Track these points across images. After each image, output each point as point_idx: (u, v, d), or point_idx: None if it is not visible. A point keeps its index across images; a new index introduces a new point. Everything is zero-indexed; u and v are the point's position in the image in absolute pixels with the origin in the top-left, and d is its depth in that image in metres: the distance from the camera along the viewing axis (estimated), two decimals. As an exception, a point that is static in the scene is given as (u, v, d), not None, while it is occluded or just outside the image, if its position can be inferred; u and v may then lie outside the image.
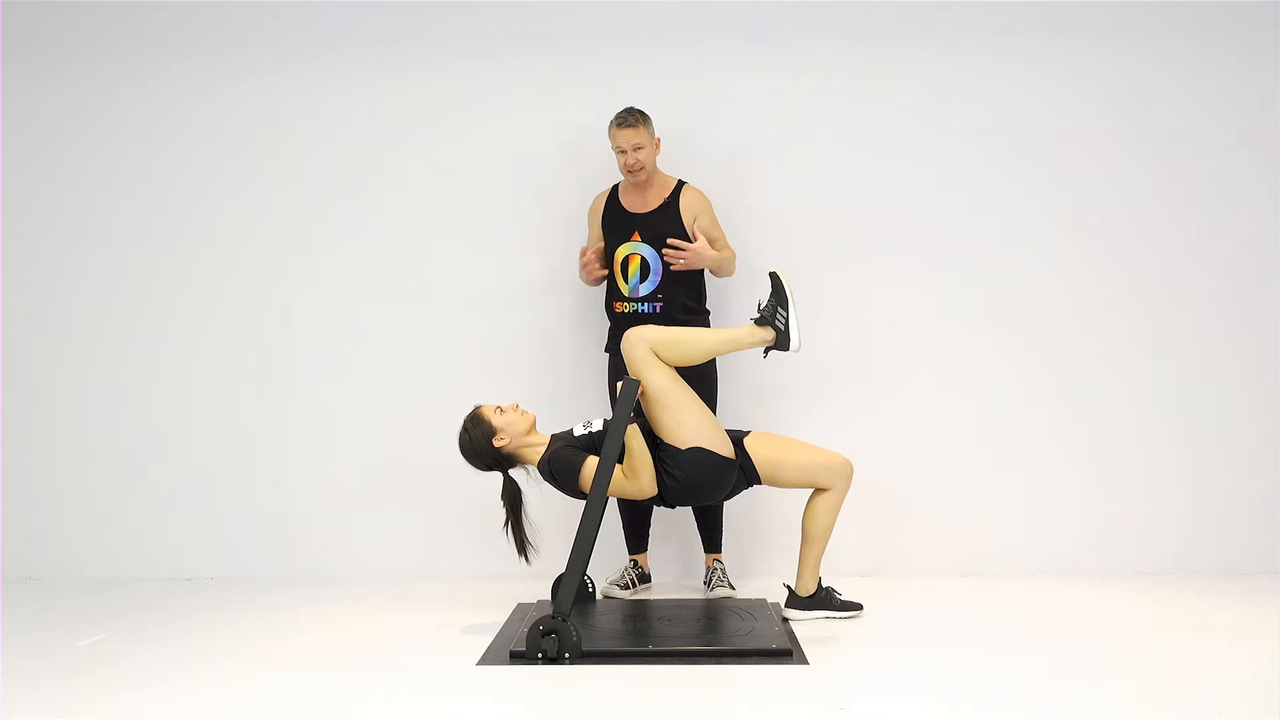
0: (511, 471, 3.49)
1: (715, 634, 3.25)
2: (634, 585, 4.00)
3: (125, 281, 4.46)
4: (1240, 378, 4.33)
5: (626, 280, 3.94)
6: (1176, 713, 2.54)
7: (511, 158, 4.42)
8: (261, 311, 4.44)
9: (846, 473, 3.48)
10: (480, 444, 3.42)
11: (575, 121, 4.39)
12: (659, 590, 4.05)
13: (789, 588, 3.58)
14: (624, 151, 3.89)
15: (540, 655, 2.99)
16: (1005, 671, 2.90)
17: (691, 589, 4.08)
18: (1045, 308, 4.36)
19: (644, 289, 3.93)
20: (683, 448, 3.33)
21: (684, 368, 3.43)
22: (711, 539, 4.04)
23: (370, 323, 4.42)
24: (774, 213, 4.37)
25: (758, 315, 3.45)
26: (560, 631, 3.00)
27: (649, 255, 3.93)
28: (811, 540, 3.51)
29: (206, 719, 2.59)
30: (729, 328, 3.49)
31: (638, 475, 3.30)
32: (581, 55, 4.42)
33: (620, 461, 3.26)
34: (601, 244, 4.01)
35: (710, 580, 3.96)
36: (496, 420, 3.43)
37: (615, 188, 4.07)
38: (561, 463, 3.33)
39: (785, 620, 3.48)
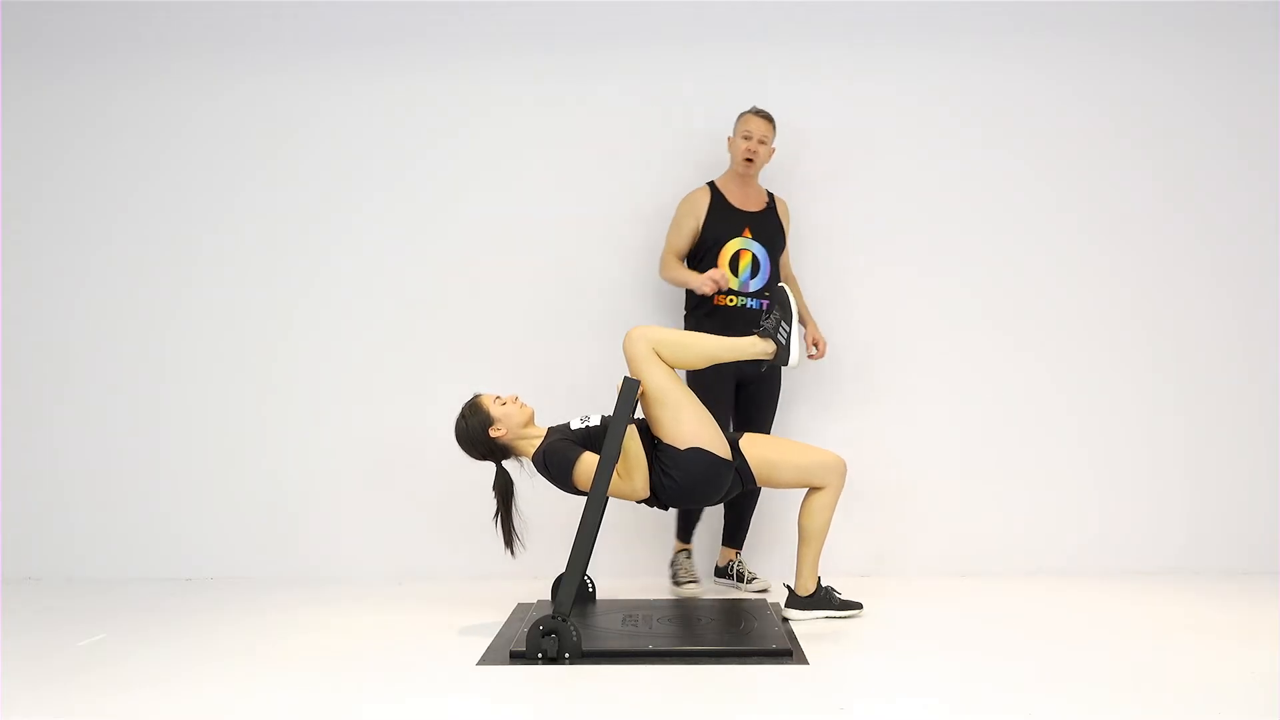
0: (505, 463, 3.50)
1: (715, 634, 3.25)
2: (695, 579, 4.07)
3: (125, 281, 4.47)
4: (1240, 378, 4.34)
5: (737, 274, 3.96)
6: (1176, 713, 2.54)
7: (511, 157, 4.43)
8: (261, 311, 4.44)
9: (841, 470, 3.50)
10: (476, 433, 3.43)
11: (576, 120, 4.40)
12: (658, 590, 4.05)
13: (789, 587, 3.59)
14: (750, 138, 3.96)
15: (540, 655, 2.99)
16: (1005, 671, 2.90)
17: (691, 589, 4.07)
18: (1045, 308, 4.36)
19: (754, 285, 3.97)
20: (681, 448, 3.33)
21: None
22: (737, 535, 4.12)
23: (370, 323, 4.43)
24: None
25: (760, 328, 3.46)
26: (560, 631, 3.00)
27: (759, 253, 3.97)
28: (809, 539, 3.52)
29: (206, 719, 2.58)
30: (731, 338, 3.49)
31: (632, 476, 3.30)
32: (581, 55, 4.42)
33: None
34: (685, 248, 4.01)
35: (742, 575, 4.07)
36: (495, 410, 3.43)
37: (713, 185, 4.07)
38: (557, 456, 3.34)
39: (785, 620, 3.49)
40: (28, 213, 4.49)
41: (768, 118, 4.00)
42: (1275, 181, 4.34)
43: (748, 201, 4.05)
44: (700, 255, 4.00)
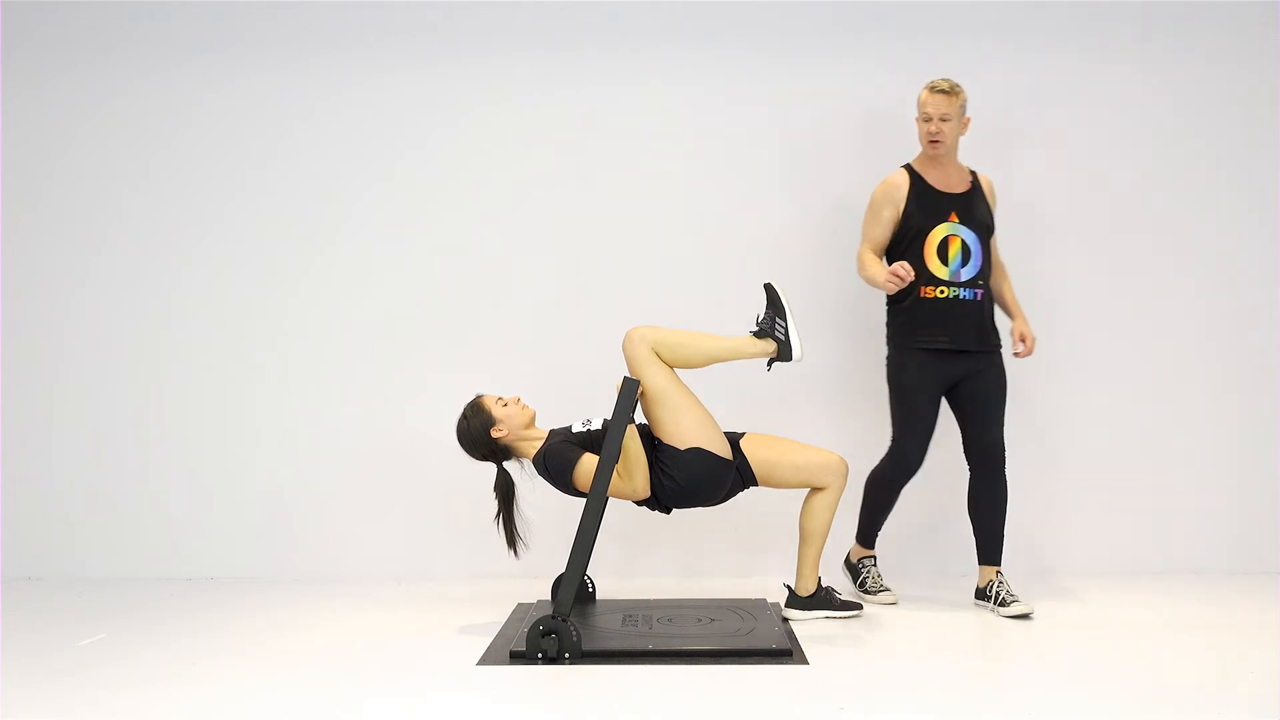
0: (506, 465, 3.50)
1: (715, 634, 3.25)
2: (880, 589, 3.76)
3: (125, 281, 4.46)
4: (1240, 377, 4.34)
5: (946, 263, 3.65)
6: (1177, 713, 2.54)
7: (511, 156, 4.42)
8: (261, 311, 4.44)
9: (842, 471, 3.50)
10: (478, 433, 3.44)
11: (578, 118, 4.40)
12: (658, 590, 4.05)
13: (789, 588, 3.59)
14: (929, 119, 3.65)
15: (540, 655, 2.99)
16: (1005, 671, 2.90)
17: (691, 589, 4.07)
18: (1045, 307, 4.35)
19: (965, 273, 3.65)
20: (682, 448, 3.33)
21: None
22: (992, 550, 3.68)
23: (370, 323, 4.42)
24: (773, 220, 4.37)
25: (756, 328, 3.46)
26: (560, 631, 3.00)
27: (969, 238, 3.65)
28: (810, 539, 3.52)
29: (206, 719, 2.58)
30: (732, 336, 3.48)
31: (632, 476, 3.30)
32: (579, 53, 4.41)
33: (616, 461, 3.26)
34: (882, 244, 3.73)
35: (1001, 597, 3.58)
36: (497, 411, 3.44)
37: (910, 168, 3.77)
38: (557, 458, 3.34)
39: (785, 620, 3.49)
40: (26, 212, 4.48)
41: (945, 90, 3.63)
42: (1275, 180, 4.34)
43: (950, 183, 3.71)
44: (904, 246, 3.68)
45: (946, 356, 3.66)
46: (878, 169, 4.35)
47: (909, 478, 3.78)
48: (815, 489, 3.51)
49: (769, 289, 3.47)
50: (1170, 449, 4.34)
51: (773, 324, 3.42)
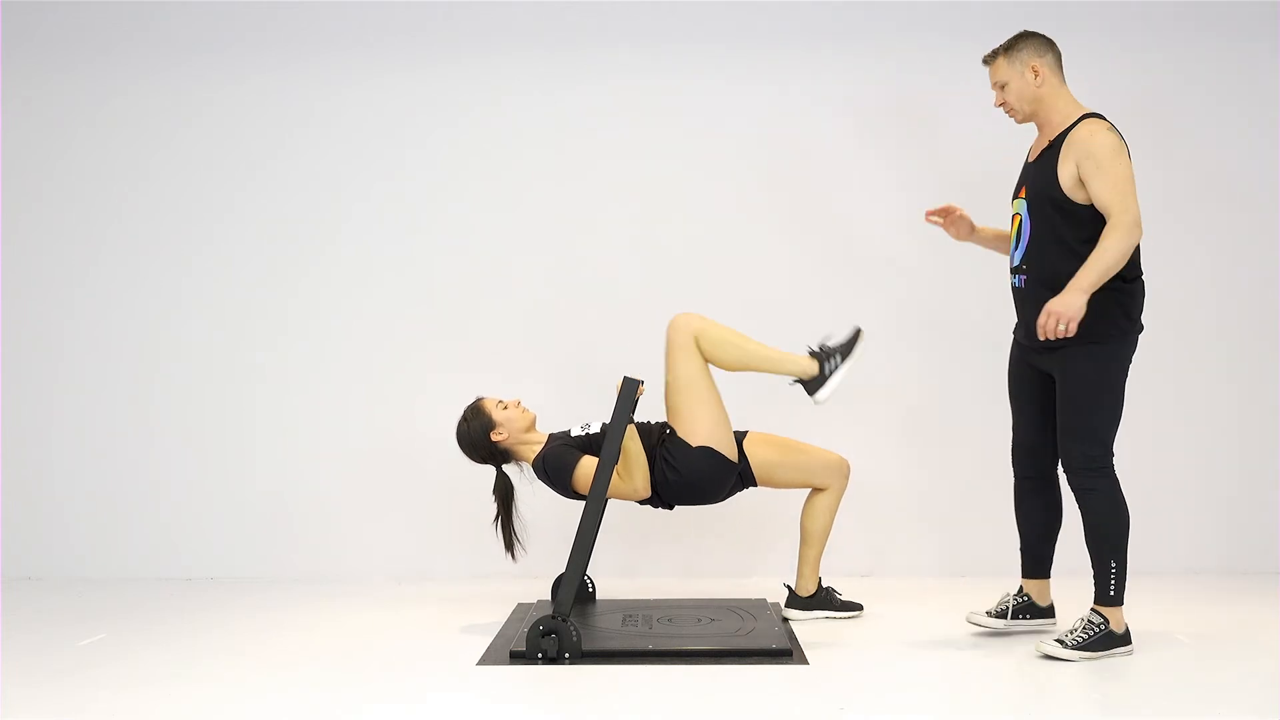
0: (506, 468, 3.50)
1: (715, 634, 3.25)
2: (1007, 616, 3.29)
3: (125, 281, 4.46)
4: (1240, 377, 4.33)
5: (1018, 247, 3.20)
6: (1177, 713, 2.54)
7: (511, 154, 4.42)
8: (261, 311, 4.44)
9: (844, 471, 3.50)
10: (478, 436, 3.44)
11: (577, 115, 4.40)
12: (659, 590, 4.04)
13: (789, 588, 3.59)
14: (995, 93, 3.25)
15: (540, 655, 3.00)
16: (1004, 672, 2.90)
17: (691, 589, 4.06)
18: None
19: (1016, 257, 3.18)
20: (693, 444, 3.33)
21: None
22: (1100, 586, 3.11)
23: (371, 323, 4.42)
24: (774, 219, 4.37)
25: (816, 349, 3.40)
26: (560, 631, 3.01)
27: (1024, 213, 3.16)
28: (810, 540, 3.52)
29: (206, 719, 2.59)
30: (778, 348, 3.41)
31: (632, 476, 3.30)
32: (579, 52, 4.41)
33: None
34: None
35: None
36: (497, 414, 3.45)
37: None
38: (556, 461, 3.34)
39: (785, 620, 3.49)
40: (26, 212, 4.48)
41: (987, 60, 3.22)
42: (1275, 180, 4.34)
43: (1034, 151, 3.23)
44: None
45: (1027, 349, 3.27)
46: (875, 169, 4.37)
47: (1025, 478, 3.37)
48: (816, 489, 3.51)
49: (857, 333, 3.39)
50: (1170, 449, 4.33)
51: (830, 357, 3.37)
